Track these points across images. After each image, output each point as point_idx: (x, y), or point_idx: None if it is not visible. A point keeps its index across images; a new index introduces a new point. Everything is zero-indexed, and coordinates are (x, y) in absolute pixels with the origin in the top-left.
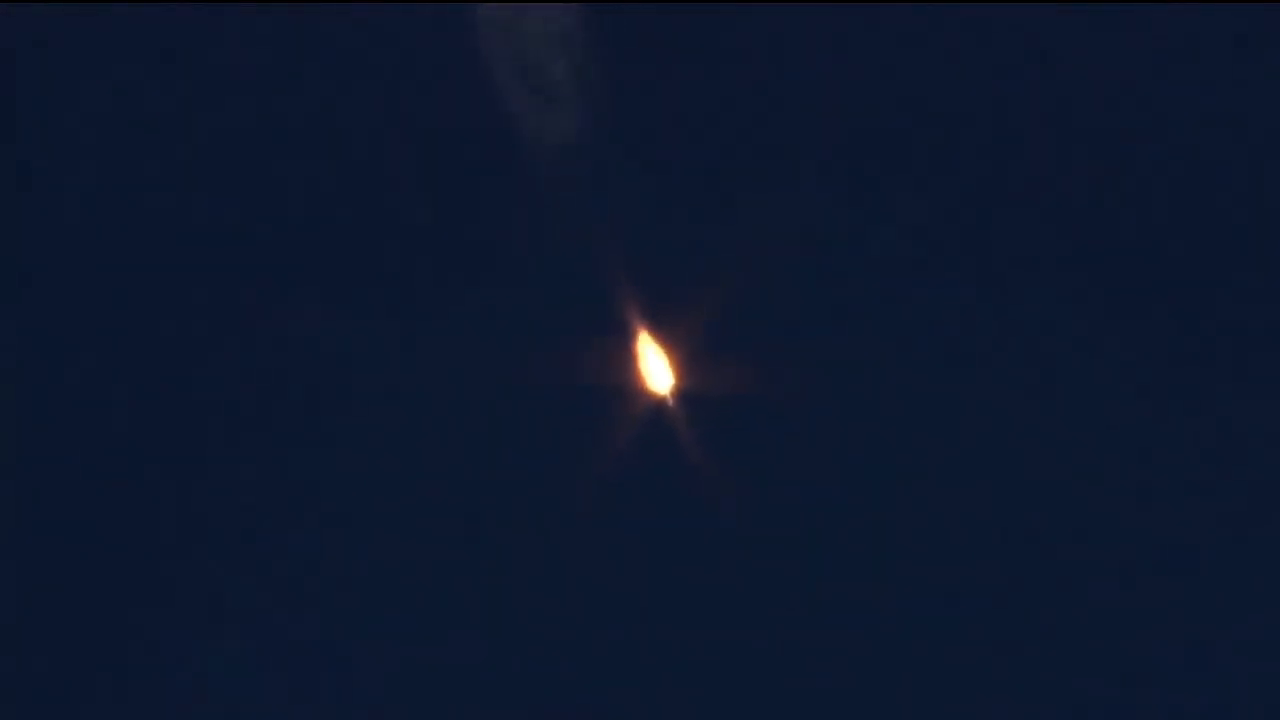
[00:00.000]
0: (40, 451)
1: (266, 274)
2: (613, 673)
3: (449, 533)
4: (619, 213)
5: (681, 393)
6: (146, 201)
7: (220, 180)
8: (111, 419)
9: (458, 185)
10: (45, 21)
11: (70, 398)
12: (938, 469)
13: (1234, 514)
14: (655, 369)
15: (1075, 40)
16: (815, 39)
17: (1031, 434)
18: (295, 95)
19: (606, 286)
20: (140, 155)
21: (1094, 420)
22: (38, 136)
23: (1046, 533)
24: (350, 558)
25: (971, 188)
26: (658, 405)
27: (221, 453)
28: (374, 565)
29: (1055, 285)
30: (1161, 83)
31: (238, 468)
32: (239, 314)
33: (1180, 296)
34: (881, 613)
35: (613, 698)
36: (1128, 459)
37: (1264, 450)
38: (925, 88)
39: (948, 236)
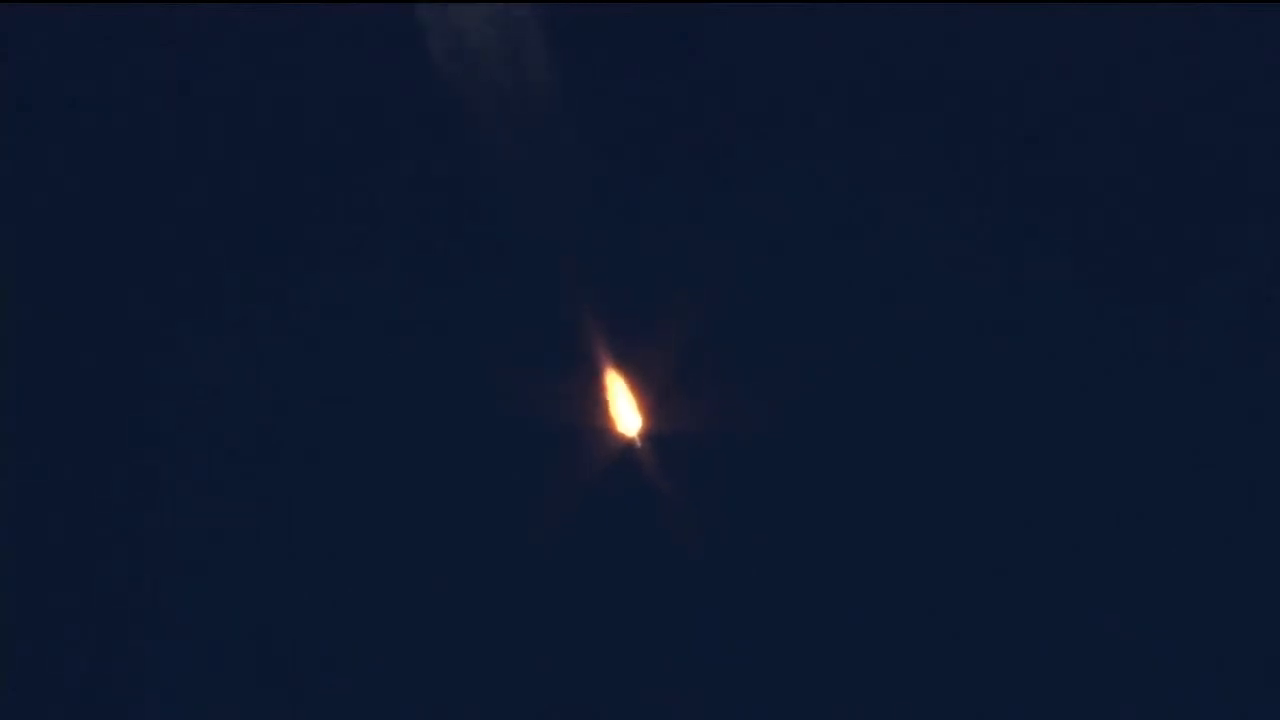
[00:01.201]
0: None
1: (244, 289)
2: (582, 713)
3: (418, 569)
4: (587, 239)
5: (649, 432)
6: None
7: (179, 184)
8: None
9: (425, 211)
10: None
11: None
12: (913, 503)
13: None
14: (623, 407)
15: (1042, 35)
16: (794, 40)
17: (1019, 461)
18: (255, 100)
19: (573, 321)
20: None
21: (1096, 450)
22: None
23: (1035, 566)
24: (319, 590)
25: (954, 202)
26: (626, 445)
27: (193, 469)
28: (346, 598)
29: (1046, 301)
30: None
31: (216, 482)
32: (214, 328)
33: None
34: (855, 648)
35: None
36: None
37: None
38: (906, 93)
39: (924, 260)
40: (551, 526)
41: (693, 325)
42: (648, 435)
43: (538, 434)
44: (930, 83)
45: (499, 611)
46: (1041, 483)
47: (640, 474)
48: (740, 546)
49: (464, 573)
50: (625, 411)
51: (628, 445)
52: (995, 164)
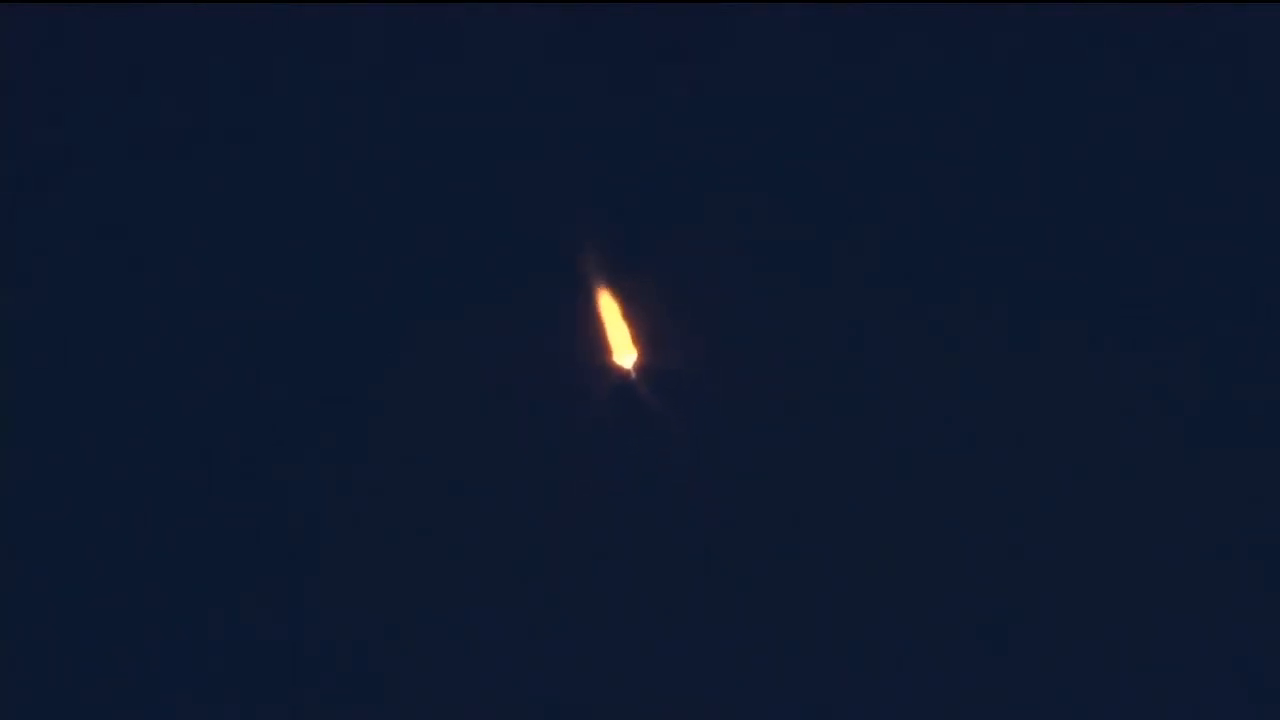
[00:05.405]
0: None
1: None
2: (579, 651)
3: (416, 509)
4: (592, 196)
5: (646, 368)
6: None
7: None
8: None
9: (429, 173)
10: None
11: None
12: (906, 453)
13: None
14: (621, 345)
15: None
16: (804, 39)
17: (1011, 431)
18: (279, 96)
19: (575, 264)
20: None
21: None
22: None
23: (1028, 531)
24: (322, 535)
25: (954, 188)
26: (623, 381)
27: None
28: (343, 538)
29: (1037, 286)
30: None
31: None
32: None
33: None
34: (849, 590)
35: (577, 678)
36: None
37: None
38: (913, 91)
39: (923, 232)
40: (550, 461)
41: (688, 266)
42: (644, 369)
43: (535, 368)
44: (932, 77)
45: (497, 549)
46: (1046, 441)
47: (636, 408)
48: (735, 485)
49: (462, 513)
50: (622, 346)
51: (624, 379)
52: (996, 163)
